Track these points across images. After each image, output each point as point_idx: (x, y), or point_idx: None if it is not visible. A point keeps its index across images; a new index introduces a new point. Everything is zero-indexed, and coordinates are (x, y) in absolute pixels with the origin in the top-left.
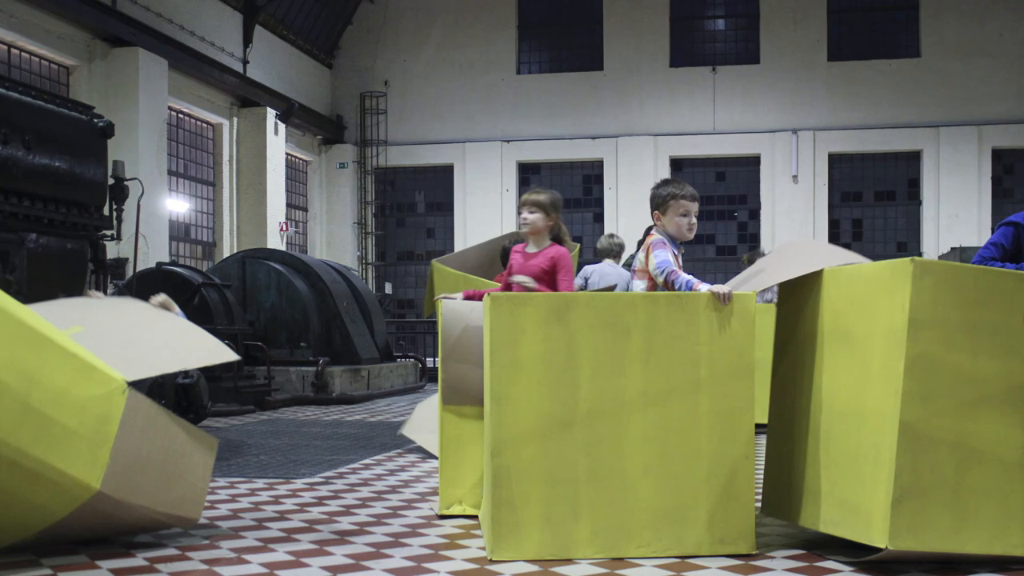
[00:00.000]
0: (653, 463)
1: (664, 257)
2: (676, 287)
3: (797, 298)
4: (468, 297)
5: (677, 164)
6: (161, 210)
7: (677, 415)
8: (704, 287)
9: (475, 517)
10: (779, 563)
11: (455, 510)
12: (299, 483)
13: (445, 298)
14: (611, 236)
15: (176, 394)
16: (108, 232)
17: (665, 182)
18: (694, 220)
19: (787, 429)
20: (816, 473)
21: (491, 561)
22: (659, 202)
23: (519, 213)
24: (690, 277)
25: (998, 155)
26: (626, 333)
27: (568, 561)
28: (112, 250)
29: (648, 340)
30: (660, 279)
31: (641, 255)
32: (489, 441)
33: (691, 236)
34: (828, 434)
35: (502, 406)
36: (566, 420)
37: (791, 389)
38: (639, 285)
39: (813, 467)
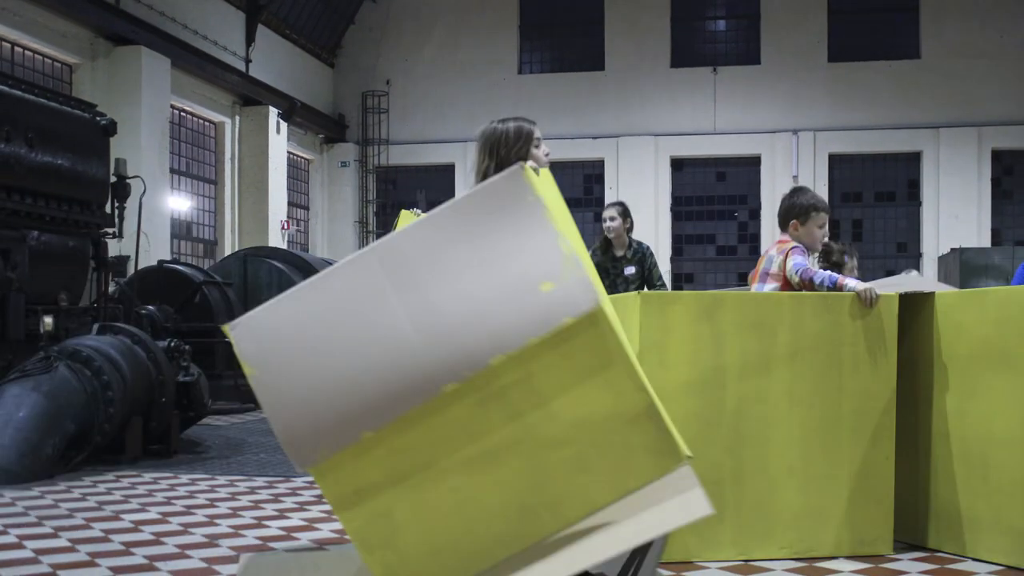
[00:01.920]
0: (796, 464)
1: (801, 260)
2: (817, 282)
3: (919, 320)
4: None
5: (678, 164)
6: (163, 208)
7: (820, 415)
8: (851, 283)
9: None
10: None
11: None
12: (299, 481)
13: None
14: None
15: (177, 392)
16: (110, 230)
17: (801, 191)
18: (827, 231)
19: (920, 452)
20: (966, 499)
21: None
22: (800, 211)
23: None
24: (829, 272)
25: (998, 156)
26: (772, 333)
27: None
28: (114, 248)
29: (794, 340)
30: (796, 278)
31: (778, 258)
32: None
33: (820, 249)
34: (984, 460)
35: None
36: (712, 421)
37: (924, 410)
38: (769, 288)
39: (955, 492)
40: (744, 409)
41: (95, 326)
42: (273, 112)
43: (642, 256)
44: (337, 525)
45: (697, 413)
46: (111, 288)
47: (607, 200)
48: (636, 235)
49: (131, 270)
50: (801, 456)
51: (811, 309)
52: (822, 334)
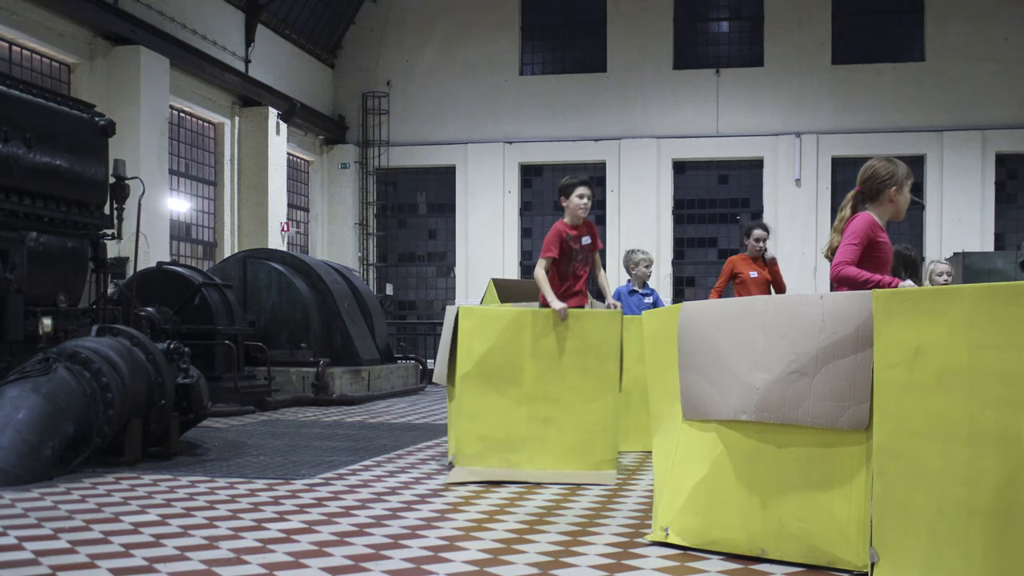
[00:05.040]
0: None
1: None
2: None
3: None
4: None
5: (680, 167)
6: (162, 209)
7: None
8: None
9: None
10: None
11: (658, 536)
12: (299, 484)
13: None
14: None
15: (176, 394)
16: (109, 231)
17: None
18: None
19: None
20: None
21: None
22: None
23: None
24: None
25: (1002, 160)
26: None
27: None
28: (113, 249)
29: None
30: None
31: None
32: None
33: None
34: None
35: None
36: None
37: None
38: None
39: None
40: None
41: (94, 328)
42: (273, 113)
43: None
44: (336, 528)
45: None
46: (110, 290)
47: (608, 203)
48: (636, 239)
49: (130, 272)
50: None
51: None
52: None
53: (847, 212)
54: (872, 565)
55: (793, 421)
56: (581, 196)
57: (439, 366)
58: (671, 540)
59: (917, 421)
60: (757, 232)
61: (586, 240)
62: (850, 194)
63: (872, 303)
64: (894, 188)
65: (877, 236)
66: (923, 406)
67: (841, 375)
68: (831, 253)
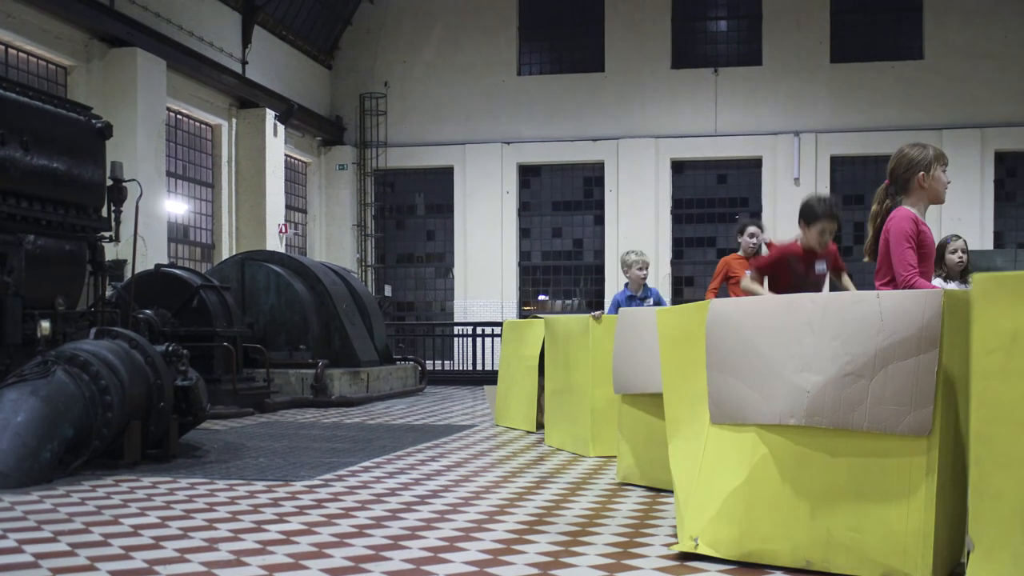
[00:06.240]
0: None
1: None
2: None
3: None
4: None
5: (678, 166)
6: (160, 211)
7: None
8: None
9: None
10: None
11: (686, 546)
12: (298, 486)
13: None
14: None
15: (175, 396)
16: (106, 233)
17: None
18: None
19: None
20: None
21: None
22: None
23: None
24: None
25: (1001, 158)
26: None
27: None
28: (110, 252)
29: None
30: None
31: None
32: None
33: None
34: None
35: None
36: None
37: None
38: None
39: None
40: None
41: (92, 330)
42: (270, 114)
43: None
44: (336, 529)
45: None
46: (108, 292)
47: (607, 203)
48: (634, 239)
49: (128, 274)
50: None
51: None
52: None
53: (878, 207)
54: (967, 553)
55: (847, 425)
56: (822, 232)
57: (626, 373)
58: (702, 551)
59: (1014, 408)
60: (751, 228)
61: (820, 267)
62: (881, 187)
63: (972, 291)
64: (921, 173)
65: (920, 229)
66: (1020, 392)
67: (902, 378)
68: (872, 251)
